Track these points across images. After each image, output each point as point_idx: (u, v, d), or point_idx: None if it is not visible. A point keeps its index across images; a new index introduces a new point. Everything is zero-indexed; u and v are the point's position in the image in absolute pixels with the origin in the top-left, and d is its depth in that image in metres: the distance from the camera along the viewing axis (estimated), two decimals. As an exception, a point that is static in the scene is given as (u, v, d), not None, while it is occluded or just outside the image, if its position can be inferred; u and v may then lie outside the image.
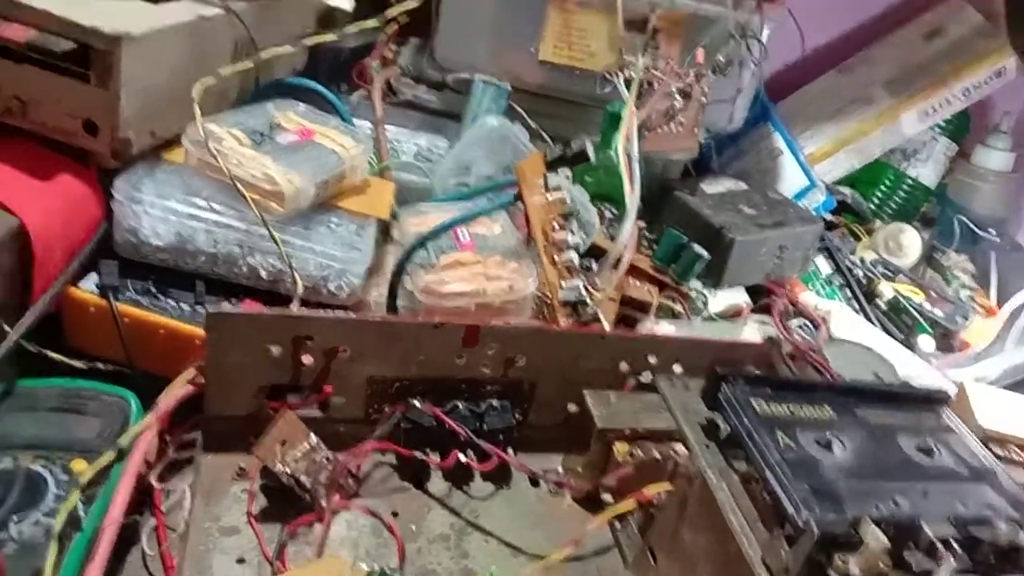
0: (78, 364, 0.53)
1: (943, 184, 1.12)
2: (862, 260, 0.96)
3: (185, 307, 0.57)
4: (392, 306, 0.62)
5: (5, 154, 0.54)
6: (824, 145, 1.04)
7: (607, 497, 0.53)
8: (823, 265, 0.94)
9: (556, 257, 0.64)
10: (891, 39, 1.07)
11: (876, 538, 0.35)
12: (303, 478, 0.49)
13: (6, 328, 0.48)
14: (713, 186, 0.90)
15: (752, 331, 0.79)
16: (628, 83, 0.77)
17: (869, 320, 0.87)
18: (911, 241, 0.99)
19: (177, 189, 0.58)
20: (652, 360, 0.59)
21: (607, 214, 0.84)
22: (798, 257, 0.86)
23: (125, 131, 0.54)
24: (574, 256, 0.64)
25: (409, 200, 0.74)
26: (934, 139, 1.09)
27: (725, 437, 0.42)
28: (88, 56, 0.52)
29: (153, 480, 0.49)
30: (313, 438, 0.51)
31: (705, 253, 0.79)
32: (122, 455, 0.46)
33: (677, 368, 0.60)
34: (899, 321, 0.89)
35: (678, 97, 0.80)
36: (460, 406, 0.55)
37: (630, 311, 0.78)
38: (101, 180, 0.57)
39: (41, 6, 0.51)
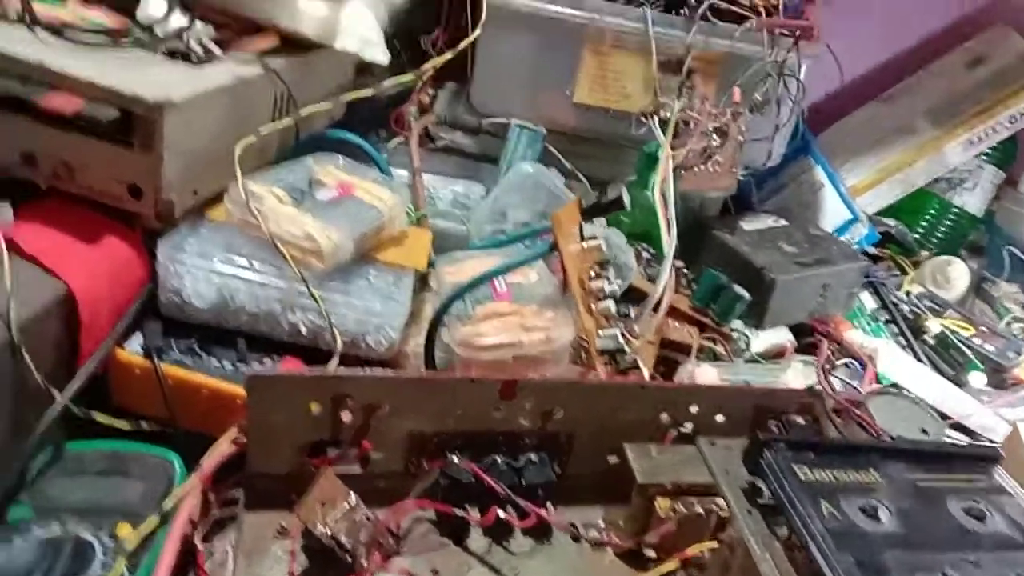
0: (123, 425, 0.54)
1: (990, 212, 1.10)
2: (908, 294, 0.94)
3: (228, 365, 0.58)
4: (430, 359, 0.63)
5: (53, 218, 0.55)
6: (866, 177, 1.03)
7: (649, 552, 0.52)
8: (868, 300, 0.92)
9: (593, 305, 0.64)
10: (933, 68, 1.06)
11: (924, 615, 0.34)
12: (343, 538, 0.49)
13: (55, 393, 0.50)
14: (752, 223, 0.89)
15: (797, 372, 0.77)
16: (664, 124, 0.77)
17: (917, 357, 0.85)
18: (959, 273, 0.97)
19: (219, 248, 0.59)
20: (693, 410, 0.59)
21: (644, 254, 0.83)
22: (842, 295, 0.84)
23: (168, 194, 0.55)
24: (611, 304, 0.64)
25: (446, 246, 0.75)
26: (980, 167, 1.06)
27: (767, 502, 0.41)
28: (132, 122, 0.53)
29: (197, 541, 0.49)
30: (353, 497, 0.51)
31: (746, 294, 0.78)
32: (166, 518, 0.47)
33: (720, 418, 0.59)
34: (948, 357, 0.87)
35: (715, 136, 0.80)
36: (498, 460, 0.55)
37: (671, 353, 0.77)
38: (146, 241, 0.59)
39: (86, 76, 0.52)
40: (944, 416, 0.76)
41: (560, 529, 0.54)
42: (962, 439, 0.74)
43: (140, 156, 0.54)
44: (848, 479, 0.42)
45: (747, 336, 0.80)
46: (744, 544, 0.40)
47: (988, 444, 0.47)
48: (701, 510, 0.53)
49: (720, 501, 0.51)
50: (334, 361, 0.57)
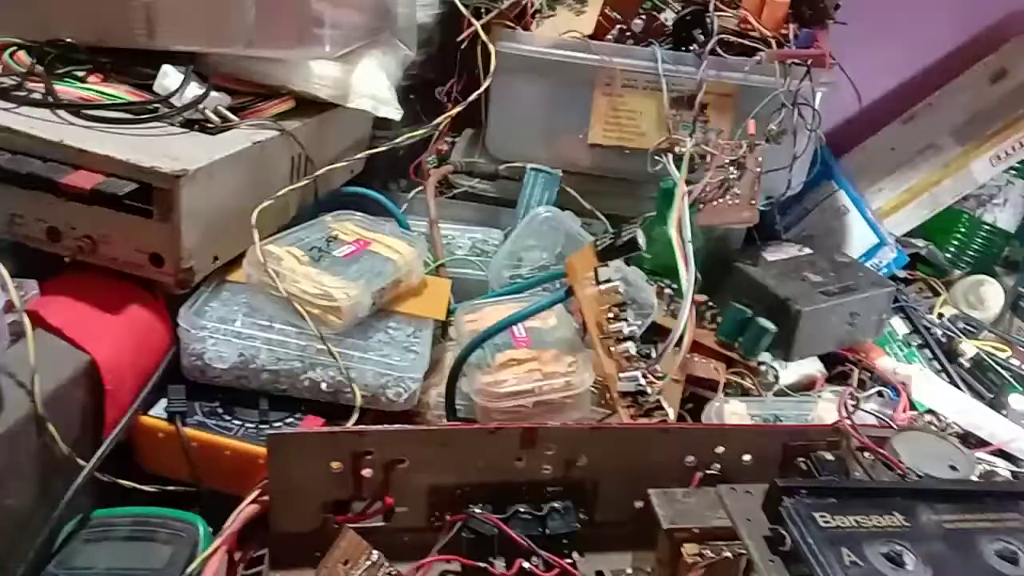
0: (149, 489, 0.55)
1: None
2: (940, 316, 0.92)
3: (250, 426, 0.58)
4: (451, 409, 0.63)
5: (76, 290, 0.57)
6: (892, 198, 1.02)
7: (678, 598, 0.51)
8: (899, 325, 0.90)
9: (612, 348, 0.64)
10: (955, 85, 1.04)
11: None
12: (367, 597, 0.50)
13: (81, 462, 0.51)
14: (775, 253, 0.88)
15: (829, 403, 0.76)
16: (679, 160, 0.77)
17: (953, 382, 0.83)
18: (993, 293, 0.94)
19: (239, 310, 0.60)
20: (719, 451, 0.58)
21: (667, 291, 0.83)
22: (871, 322, 0.82)
23: (188, 261, 0.57)
24: (631, 346, 0.63)
25: (466, 293, 0.75)
26: (1010, 182, 1.04)
27: (789, 551, 0.40)
28: (151, 193, 0.55)
29: (224, 603, 0.50)
30: (375, 554, 0.51)
31: (771, 326, 0.77)
32: (193, 582, 0.47)
33: (747, 457, 0.58)
34: (986, 380, 0.85)
35: (732, 169, 0.79)
36: (521, 510, 0.55)
37: (698, 389, 0.76)
38: (168, 306, 0.60)
39: (104, 152, 0.54)
40: (984, 443, 0.74)
41: (586, 582, 0.54)
42: (1004, 465, 0.72)
43: (160, 226, 0.55)
44: (872, 524, 0.40)
45: (775, 369, 0.79)
46: (767, 595, 0.39)
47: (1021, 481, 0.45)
48: (729, 554, 0.52)
49: (748, 544, 0.51)
50: (353, 417, 0.58)
